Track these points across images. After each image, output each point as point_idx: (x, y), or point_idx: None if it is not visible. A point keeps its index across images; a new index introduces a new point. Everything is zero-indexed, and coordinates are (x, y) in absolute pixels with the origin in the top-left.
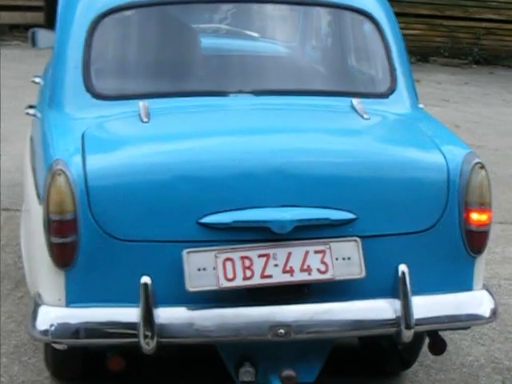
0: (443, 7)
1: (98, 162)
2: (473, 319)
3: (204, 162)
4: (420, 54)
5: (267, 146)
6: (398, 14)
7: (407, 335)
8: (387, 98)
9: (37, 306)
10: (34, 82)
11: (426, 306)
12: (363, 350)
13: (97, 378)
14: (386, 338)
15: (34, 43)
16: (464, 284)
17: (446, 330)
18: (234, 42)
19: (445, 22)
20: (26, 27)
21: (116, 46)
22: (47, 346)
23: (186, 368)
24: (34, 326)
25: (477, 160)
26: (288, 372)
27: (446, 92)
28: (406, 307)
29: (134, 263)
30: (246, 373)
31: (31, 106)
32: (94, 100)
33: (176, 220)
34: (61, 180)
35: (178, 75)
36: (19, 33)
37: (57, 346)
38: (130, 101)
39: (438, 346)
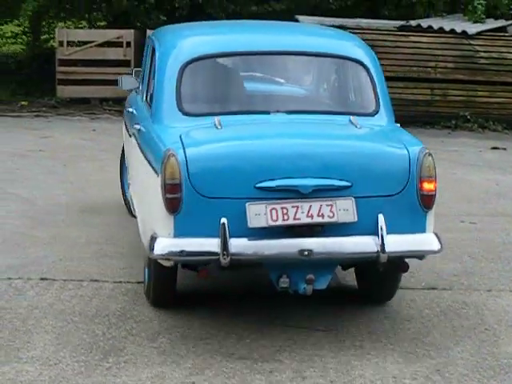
0: None
1: (192, 151)
2: (426, 251)
3: (258, 151)
4: (506, 121)
5: (296, 141)
6: (483, 83)
7: (383, 257)
8: (373, 116)
9: (154, 239)
10: (127, 111)
11: (395, 241)
12: (358, 284)
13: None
14: (374, 275)
15: (120, 86)
16: (420, 228)
17: (408, 257)
18: (270, 84)
19: None
20: (115, 101)
21: (197, 81)
22: (153, 277)
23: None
24: (152, 250)
25: (426, 151)
26: (309, 276)
27: None
28: (382, 240)
29: (216, 211)
30: (284, 282)
31: (137, 123)
32: (184, 116)
33: (241, 185)
34: (173, 160)
35: (238, 101)
36: (109, 106)
37: (166, 263)
38: (207, 117)
39: (403, 267)
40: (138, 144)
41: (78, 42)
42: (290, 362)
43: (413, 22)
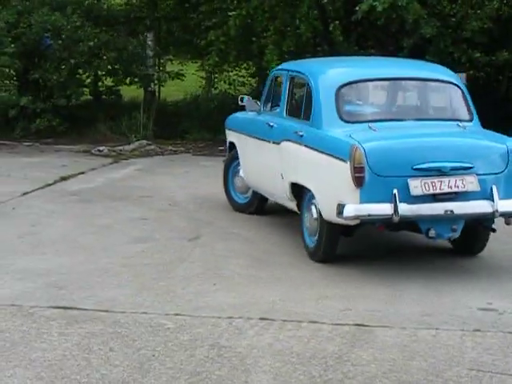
0: None
1: (368, 145)
2: None
3: (412, 145)
4: None
5: (435, 138)
6: None
7: (497, 215)
8: (470, 122)
9: (342, 206)
10: (268, 124)
11: (504, 204)
12: (452, 243)
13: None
14: (469, 233)
15: (246, 108)
16: None
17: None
18: (399, 100)
19: None
20: None
21: (348, 98)
22: (324, 240)
23: None
24: (341, 213)
25: None
26: (454, 226)
27: None
28: (496, 204)
29: (389, 185)
30: (431, 233)
31: (297, 131)
32: (343, 123)
33: (403, 167)
34: (359, 151)
35: (379, 112)
36: None
37: (352, 222)
38: (363, 123)
39: (508, 222)
40: (306, 145)
41: None
42: None
43: None
